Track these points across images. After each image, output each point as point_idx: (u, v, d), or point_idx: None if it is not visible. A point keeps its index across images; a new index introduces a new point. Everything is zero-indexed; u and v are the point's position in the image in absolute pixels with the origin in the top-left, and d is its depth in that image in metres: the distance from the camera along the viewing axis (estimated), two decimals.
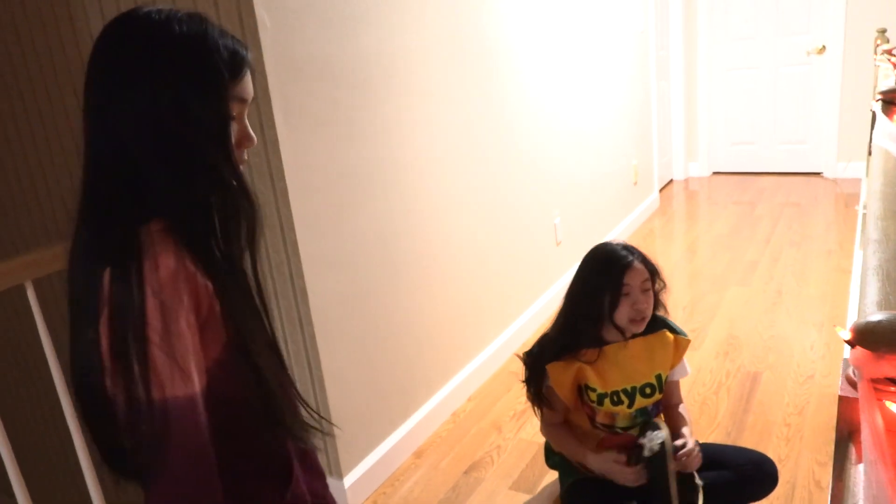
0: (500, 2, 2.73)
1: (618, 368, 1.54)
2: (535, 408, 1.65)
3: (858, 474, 0.51)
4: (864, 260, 1.00)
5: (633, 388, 1.54)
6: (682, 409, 1.63)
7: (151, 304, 0.77)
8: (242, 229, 0.88)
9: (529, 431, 2.34)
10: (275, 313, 1.97)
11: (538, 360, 1.59)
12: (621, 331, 1.52)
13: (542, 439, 1.88)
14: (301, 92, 1.83)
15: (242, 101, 0.87)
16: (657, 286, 1.55)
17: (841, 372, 0.65)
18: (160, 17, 0.81)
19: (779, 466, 1.98)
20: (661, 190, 5.25)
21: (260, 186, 1.85)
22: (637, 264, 1.50)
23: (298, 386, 2.00)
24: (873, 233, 1.03)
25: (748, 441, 2.12)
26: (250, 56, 0.89)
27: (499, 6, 2.73)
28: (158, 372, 0.77)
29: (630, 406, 1.55)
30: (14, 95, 2.27)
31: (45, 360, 1.56)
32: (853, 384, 0.59)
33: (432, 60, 2.34)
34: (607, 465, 1.50)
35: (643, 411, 1.57)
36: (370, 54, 2.06)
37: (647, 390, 1.55)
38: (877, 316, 0.58)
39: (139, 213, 0.82)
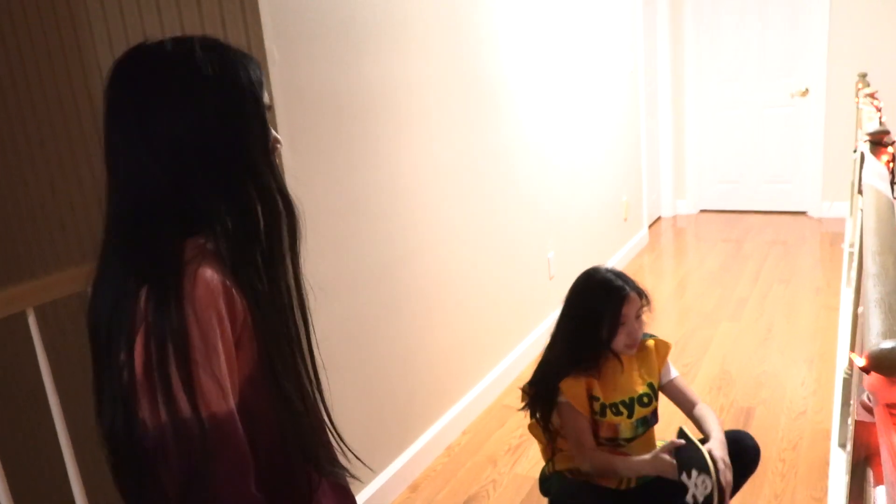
0: (499, 40, 2.80)
1: (614, 383, 1.62)
2: (544, 432, 1.67)
3: (879, 496, 0.53)
4: (864, 293, 1.03)
5: (632, 399, 1.62)
6: (701, 408, 1.68)
7: (192, 322, 0.78)
8: (284, 236, 0.91)
9: (525, 466, 2.33)
10: None
11: (543, 384, 1.64)
12: (616, 355, 1.62)
13: (537, 473, 1.88)
14: (306, 123, 1.86)
15: (268, 108, 0.91)
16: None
17: (855, 398, 0.67)
18: (188, 45, 0.85)
19: (774, 503, 2.00)
20: (649, 226, 5.32)
21: None
22: (633, 295, 1.59)
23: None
24: (871, 267, 1.06)
25: None
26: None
27: (498, 44, 2.80)
28: (203, 390, 0.78)
29: (630, 416, 1.62)
30: (16, 124, 2.28)
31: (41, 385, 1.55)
32: (868, 409, 0.61)
33: (433, 95, 2.39)
34: (658, 460, 1.52)
35: (643, 420, 1.64)
36: (373, 87, 2.10)
37: (645, 399, 1.64)
38: (890, 343, 0.60)
39: (178, 231, 0.84)
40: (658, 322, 3.33)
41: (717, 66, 5.47)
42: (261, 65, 0.90)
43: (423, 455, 2.38)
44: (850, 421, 2.00)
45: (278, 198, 0.90)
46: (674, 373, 1.71)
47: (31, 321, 1.53)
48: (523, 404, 1.71)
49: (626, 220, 4.54)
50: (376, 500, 2.15)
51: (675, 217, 5.75)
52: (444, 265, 2.50)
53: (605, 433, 1.63)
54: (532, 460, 2.34)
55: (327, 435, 1.01)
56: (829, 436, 2.30)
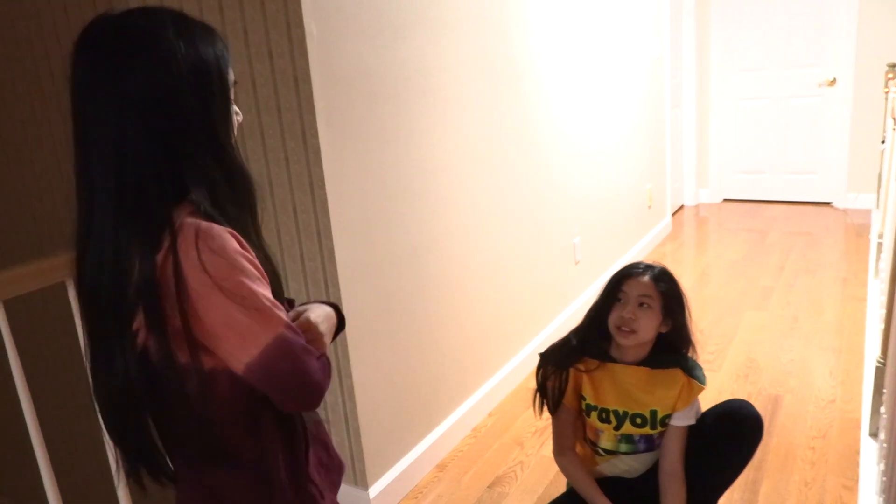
0: (528, 24, 2.78)
1: (614, 388, 1.52)
2: (546, 404, 1.60)
3: None
4: None
5: (625, 413, 1.52)
6: (673, 478, 1.51)
7: (222, 270, 0.85)
8: (246, 206, 0.95)
9: (552, 448, 2.33)
10: None
11: (551, 359, 1.59)
12: (619, 347, 1.51)
13: None
14: (341, 101, 1.86)
15: (234, 84, 0.95)
16: (673, 316, 1.50)
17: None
18: (158, 16, 0.87)
19: (804, 490, 1.99)
20: (672, 214, 5.29)
21: (298, 195, 1.87)
22: (644, 278, 1.48)
23: (328, 395, 2.01)
24: None
25: (773, 464, 2.12)
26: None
27: (527, 29, 2.78)
28: (263, 316, 0.86)
29: (617, 428, 1.53)
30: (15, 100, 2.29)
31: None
32: None
33: (464, 77, 2.38)
34: None
35: (629, 439, 1.55)
36: (407, 68, 2.10)
37: (638, 420, 1.52)
38: None
39: (171, 196, 0.87)
40: None
41: (742, 56, 5.41)
42: (226, 41, 0.94)
43: (449, 435, 2.39)
44: (882, 409, 1.99)
45: (243, 169, 0.94)
46: (684, 421, 1.52)
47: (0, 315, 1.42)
48: (538, 373, 1.63)
49: (649, 207, 4.51)
50: (405, 478, 2.17)
51: (697, 206, 5.71)
52: (471, 248, 2.50)
53: (589, 434, 1.59)
54: None
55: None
56: (858, 425, 2.28)
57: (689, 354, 1.56)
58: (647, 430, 1.53)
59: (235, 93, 0.96)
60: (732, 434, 1.52)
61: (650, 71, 4.41)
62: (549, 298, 3.09)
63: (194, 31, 0.88)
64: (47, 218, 2.39)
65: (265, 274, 0.90)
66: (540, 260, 3.00)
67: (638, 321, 1.46)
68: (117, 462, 0.96)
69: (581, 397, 1.56)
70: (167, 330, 0.85)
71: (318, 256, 1.90)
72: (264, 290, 0.87)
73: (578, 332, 1.58)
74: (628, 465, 1.58)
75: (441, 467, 2.29)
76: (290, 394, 0.88)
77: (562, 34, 3.09)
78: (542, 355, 1.61)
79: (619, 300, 1.49)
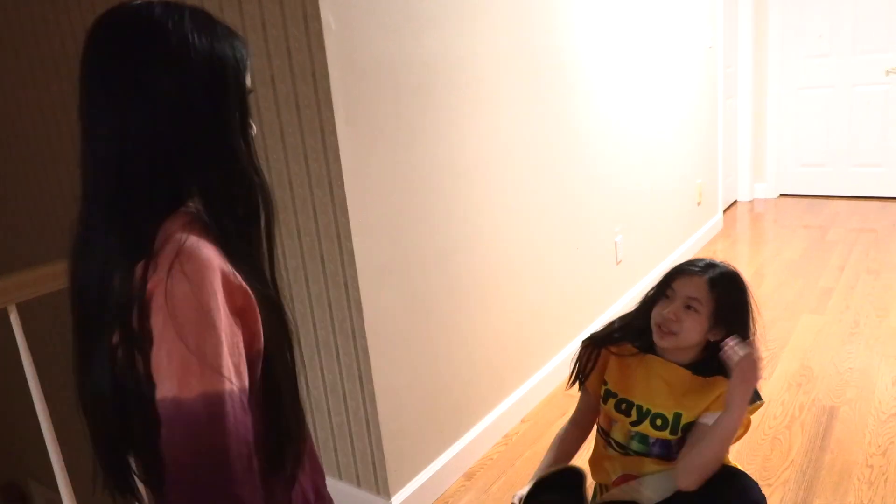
0: (570, 10, 2.66)
1: (645, 381, 1.43)
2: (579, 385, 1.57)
3: None
4: None
5: (647, 410, 1.42)
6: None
7: (187, 296, 0.75)
8: (261, 222, 0.87)
9: (587, 458, 2.22)
10: (328, 324, 1.92)
11: (593, 335, 1.56)
12: (661, 350, 1.44)
13: None
14: (362, 97, 1.79)
15: (250, 92, 0.88)
16: (727, 327, 1.37)
17: None
18: (178, 11, 0.81)
19: None
20: (724, 211, 5.06)
21: (318, 193, 1.81)
22: (697, 278, 1.37)
23: (349, 401, 1.96)
24: None
25: (826, 483, 1.96)
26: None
27: (569, 14, 2.65)
28: (184, 368, 0.74)
29: (634, 424, 1.43)
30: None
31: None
32: None
33: (499, 68, 2.28)
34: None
35: (643, 438, 1.44)
36: (434, 59, 2.01)
37: (658, 421, 1.41)
38: None
39: (167, 206, 0.81)
40: None
41: (803, 42, 5.12)
42: (248, 46, 0.88)
43: (479, 442, 2.30)
44: None
45: (255, 181, 0.86)
46: (710, 420, 1.38)
47: (14, 318, 1.44)
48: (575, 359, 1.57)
49: (699, 203, 4.32)
50: (430, 487, 2.09)
51: (752, 201, 5.46)
52: (505, 247, 2.40)
53: (602, 421, 1.52)
54: None
55: (306, 442, 0.96)
56: None
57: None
58: (665, 434, 1.42)
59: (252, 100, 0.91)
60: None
61: (702, 60, 4.21)
62: (588, 300, 2.97)
63: (214, 29, 0.83)
64: None
65: (237, 322, 0.80)
66: (579, 259, 2.88)
67: (680, 323, 1.36)
68: (95, 471, 0.91)
69: (604, 382, 1.49)
70: (134, 351, 0.79)
71: (337, 258, 1.83)
72: (216, 342, 0.76)
73: (624, 318, 1.52)
74: (641, 494, 1.47)
75: (469, 476, 2.21)
76: (174, 470, 0.75)
77: (608, 22, 2.95)
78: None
79: (667, 297, 1.40)
